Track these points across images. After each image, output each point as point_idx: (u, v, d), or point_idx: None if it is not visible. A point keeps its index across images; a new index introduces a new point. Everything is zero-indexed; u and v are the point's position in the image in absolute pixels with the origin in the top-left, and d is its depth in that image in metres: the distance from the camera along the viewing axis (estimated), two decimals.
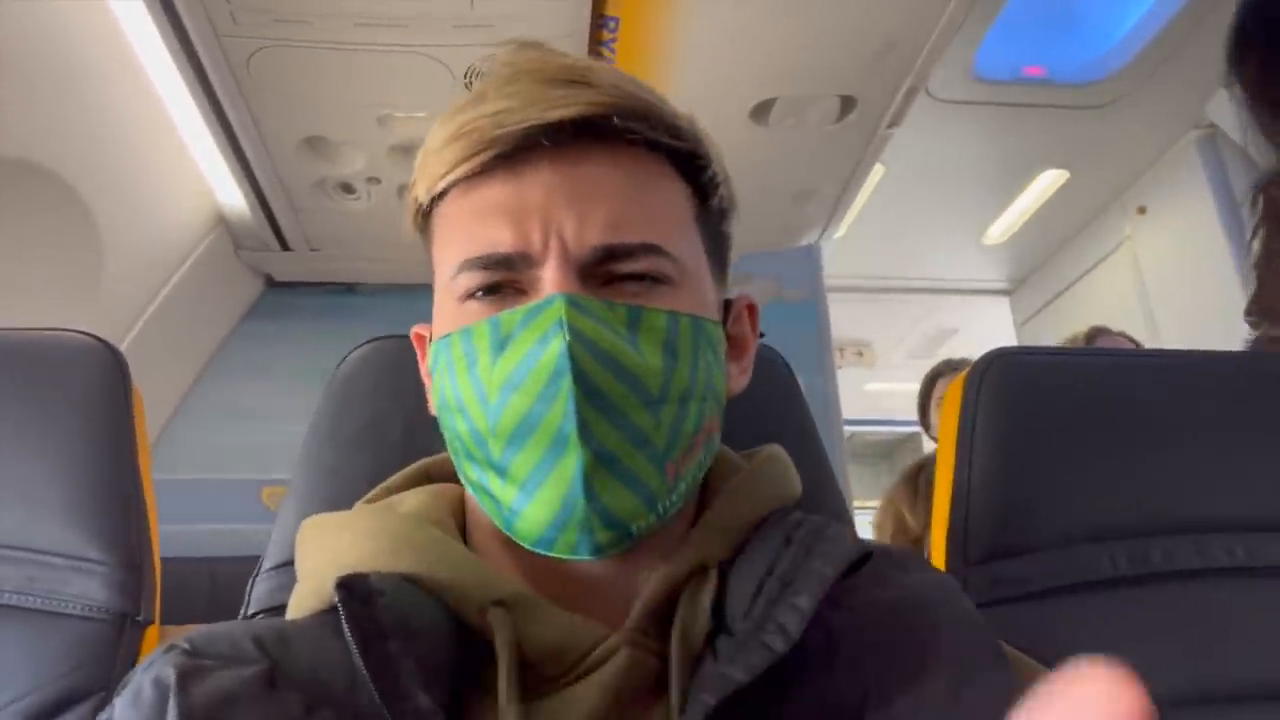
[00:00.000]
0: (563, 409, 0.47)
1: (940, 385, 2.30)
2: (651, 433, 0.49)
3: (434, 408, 0.58)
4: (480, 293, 0.52)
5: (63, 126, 1.51)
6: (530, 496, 0.49)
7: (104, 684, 0.74)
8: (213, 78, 1.54)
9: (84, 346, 0.84)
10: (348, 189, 1.99)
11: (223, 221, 2.06)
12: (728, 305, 0.61)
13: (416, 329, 0.62)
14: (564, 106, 0.50)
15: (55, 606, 0.76)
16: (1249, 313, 1.10)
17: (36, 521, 0.77)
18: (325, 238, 2.18)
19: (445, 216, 0.55)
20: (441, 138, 0.53)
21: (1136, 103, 2.41)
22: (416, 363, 0.63)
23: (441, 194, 0.54)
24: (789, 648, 0.44)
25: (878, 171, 2.34)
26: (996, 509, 0.82)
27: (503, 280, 0.51)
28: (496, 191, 0.52)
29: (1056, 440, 0.83)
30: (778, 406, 0.78)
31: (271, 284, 2.38)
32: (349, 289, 2.40)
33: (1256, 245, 1.03)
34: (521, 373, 0.48)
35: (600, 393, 0.47)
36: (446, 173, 0.53)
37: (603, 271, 0.51)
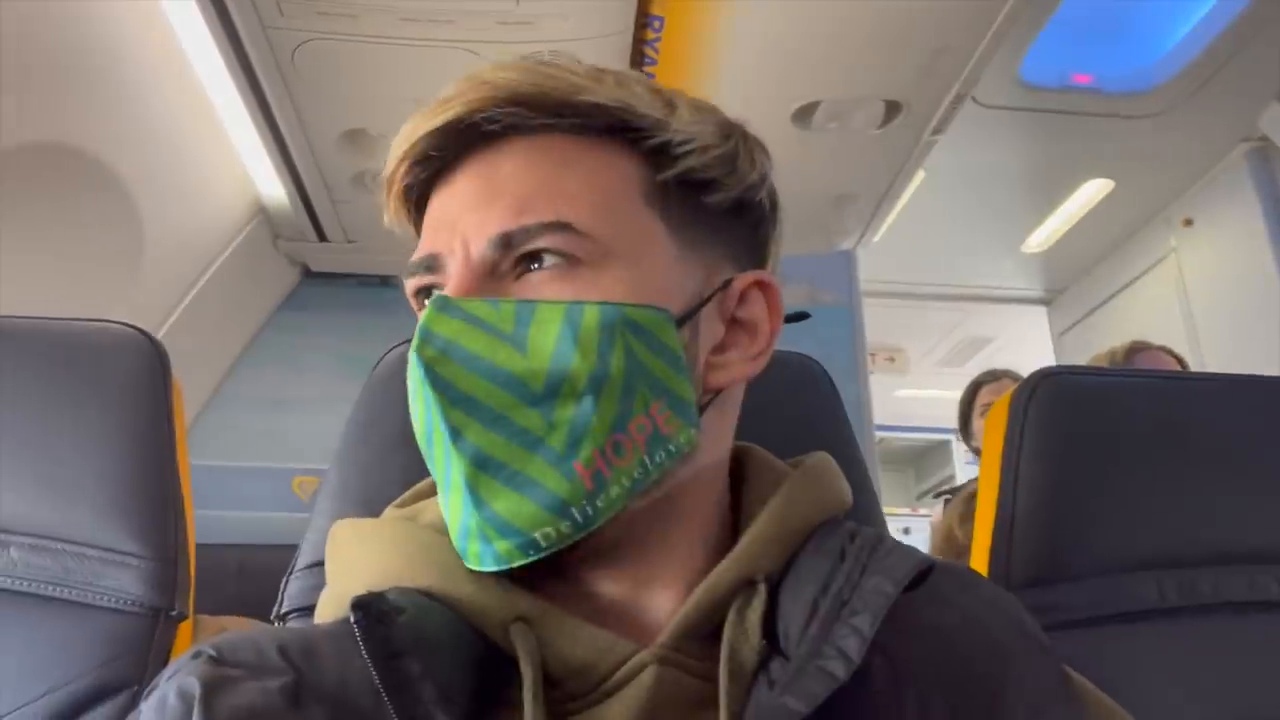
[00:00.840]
0: (435, 417, 0.46)
1: (983, 393, 2.27)
2: (545, 434, 0.46)
3: None
4: (420, 296, 0.53)
5: (106, 114, 1.53)
6: (446, 507, 0.49)
7: (138, 678, 0.74)
8: (257, 69, 1.54)
9: (126, 339, 0.84)
10: None
11: (262, 211, 2.07)
12: (728, 284, 0.55)
13: None
14: (443, 113, 0.51)
15: (90, 599, 0.76)
16: None
17: (74, 513, 0.78)
18: (362, 230, 2.19)
19: None
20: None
21: (1186, 113, 2.37)
22: None
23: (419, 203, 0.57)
24: (850, 674, 0.42)
25: (917, 176, 2.31)
26: (1042, 533, 0.80)
27: (429, 284, 0.52)
28: (432, 204, 0.54)
29: (1105, 464, 0.82)
30: (819, 416, 0.77)
31: (308, 274, 2.39)
32: (383, 281, 2.41)
33: None
34: (411, 384, 0.49)
35: (468, 397, 0.46)
36: (388, 202, 0.56)
37: (510, 262, 0.50)
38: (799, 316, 0.61)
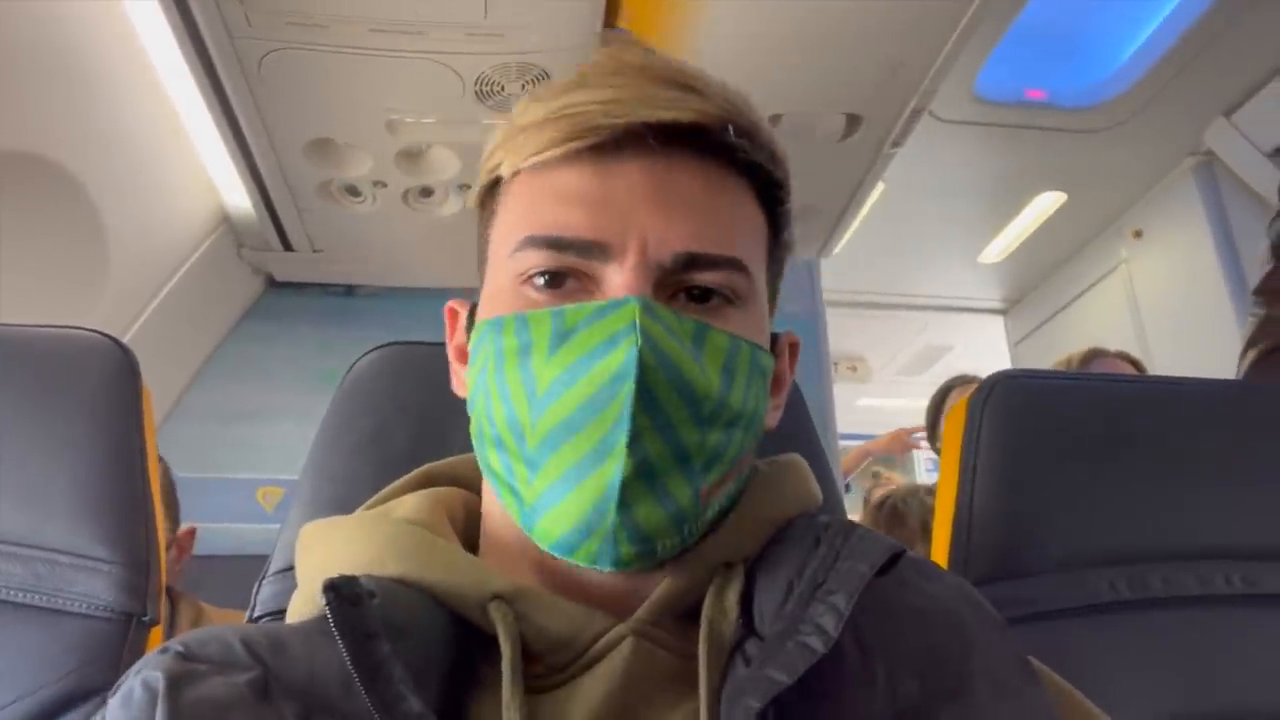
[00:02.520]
0: (617, 414, 0.45)
1: (953, 399, 2.28)
2: (694, 452, 0.48)
3: (461, 387, 0.57)
4: (541, 278, 0.50)
5: (71, 122, 1.52)
6: (559, 497, 0.47)
7: (110, 684, 0.71)
8: (224, 78, 1.54)
9: (97, 345, 0.84)
10: (353, 192, 1.99)
11: (226, 220, 2.06)
12: (774, 339, 0.59)
13: (452, 304, 0.60)
14: (675, 109, 0.50)
15: (61, 605, 0.76)
16: (1258, 291, 1.13)
17: (45, 519, 0.77)
18: (328, 239, 2.18)
19: (516, 194, 0.54)
20: (538, 115, 0.52)
21: (1135, 128, 2.44)
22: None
23: (517, 171, 0.54)
24: (828, 649, 0.43)
25: (877, 188, 2.36)
26: (999, 530, 0.82)
27: (568, 268, 0.50)
28: (579, 179, 0.51)
29: (1060, 464, 0.84)
30: (786, 425, 0.79)
31: (272, 284, 2.37)
32: (348, 291, 2.40)
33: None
34: (579, 371, 0.46)
35: (658, 404, 0.46)
36: (538, 151, 0.51)
37: (675, 280, 0.50)
38: None
